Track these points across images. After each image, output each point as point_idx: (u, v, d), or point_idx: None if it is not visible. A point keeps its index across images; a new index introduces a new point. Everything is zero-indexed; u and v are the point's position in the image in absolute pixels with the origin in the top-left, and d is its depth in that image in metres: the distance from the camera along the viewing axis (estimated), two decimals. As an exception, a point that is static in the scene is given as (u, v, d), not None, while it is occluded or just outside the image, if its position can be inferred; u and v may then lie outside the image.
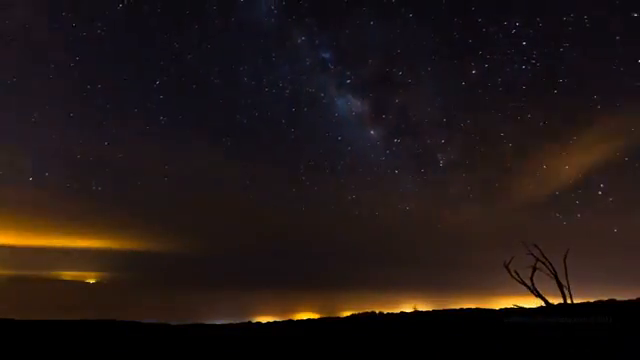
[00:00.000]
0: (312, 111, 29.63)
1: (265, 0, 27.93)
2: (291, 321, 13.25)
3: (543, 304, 11.38)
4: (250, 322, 14.27)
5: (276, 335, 10.36)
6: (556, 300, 11.37)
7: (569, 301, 11.21)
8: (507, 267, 12.18)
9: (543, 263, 11.86)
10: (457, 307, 14.06)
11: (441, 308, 14.13)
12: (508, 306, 12.74)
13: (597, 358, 6.12)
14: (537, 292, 11.71)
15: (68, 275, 28.92)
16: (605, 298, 11.22)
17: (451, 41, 25.86)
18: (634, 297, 11.74)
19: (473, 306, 14.05)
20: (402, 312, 13.27)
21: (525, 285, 11.89)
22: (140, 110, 27.96)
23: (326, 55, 29.16)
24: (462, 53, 25.20)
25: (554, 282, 11.55)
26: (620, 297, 11.67)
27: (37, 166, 27.36)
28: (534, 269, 11.85)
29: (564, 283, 11.45)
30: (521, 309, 12.10)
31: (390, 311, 13.63)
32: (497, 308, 13.82)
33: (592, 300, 11.54)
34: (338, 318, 13.63)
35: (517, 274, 12.05)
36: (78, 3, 25.66)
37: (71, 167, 28.93)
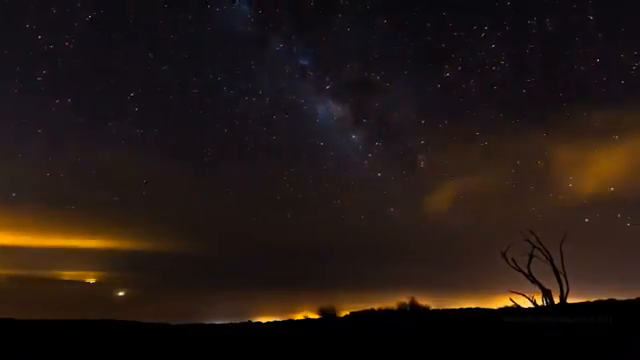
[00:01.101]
0: (293, 118, 29.64)
1: (241, 9, 27.98)
2: (291, 321, 13.28)
3: (539, 290, 11.39)
4: (250, 322, 14.30)
5: (276, 335, 10.37)
6: (552, 286, 11.39)
7: (565, 288, 11.25)
8: (504, 255, 12.24)
9: (539, 249, 11.93)
10: (456, 307, 14.08)
11: (440, 307, 14.13)
12: (504, 301, 12.82)
13: (597, 358, 6.12)
14: (533, 278, 11.78)
15: (68, 275, 28.85)
16: (605, 298, 11.23)
17: (425, 45, 26.20)
18: (634, 297, 11.75)
19: (473, 305, 14.08)
20: (401, 308, 13.24)
21: (522, 272, 11.96)
22: (114, 124, 27.79)
23: (305, 62, 29.52)
24: (436, 56, 25.85)
25: (550, 269, 11.60)
26: (620, 297, 11.69)
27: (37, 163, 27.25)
28: (531, 256, 11.91)
29: (560, 269, 11.51)
30: (520, 309, 12.11)
31: (387, 306, 13.58)
32: (495, 308, 13.91)
33: (592, 300, 11.55)
34: (337, 317, 13.64)
35: (514, 262, 12.12)
36: (44, 15, 25.23)
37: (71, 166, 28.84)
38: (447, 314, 12.59)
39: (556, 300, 11.30)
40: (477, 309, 14.21)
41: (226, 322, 14.85)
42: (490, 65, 24.28)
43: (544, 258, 11.77)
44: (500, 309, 13.70)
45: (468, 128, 26.80)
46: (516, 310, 12.19)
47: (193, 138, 30.03)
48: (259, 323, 13.68)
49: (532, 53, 23.69)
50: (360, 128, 30.90)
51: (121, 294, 28.24)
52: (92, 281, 29.35)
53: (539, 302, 11.52)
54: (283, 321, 13.40)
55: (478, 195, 28.74)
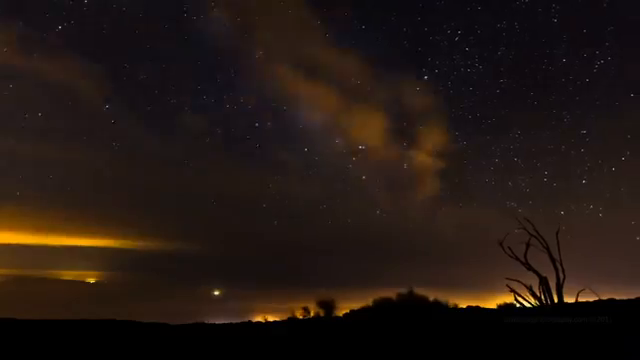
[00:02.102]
0: (276, 124, 29.72)
1: (218, 17, 27.82)
2: (291, 320, 13.27)
3: (538, 277, 11.42)
4: (250, 322, 14.28)
5: (276, 335, 10.37)
6: (548, 273, 11.45)
7: (561, 275, 11.33)
8: (501, 244, 12.32)
9: (536, 237, 12.03)
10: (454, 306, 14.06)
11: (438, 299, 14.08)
12: (502, 298, 12.84)
13: (597, 358, 6.12)
14: (530, 266, 11.87)
15: (68, 275, 28.85)
16: (605, 298, 11.24)
17: (402, 50, 27.68)
18: (634, 297, 11.75)
19: (468, 304, 14.09)
20: (400, 298, 13.21)
21: (519, 260, 12.07)
22: (89, 137, 27.54)
23: (284, 69, 29.60)
24: (413, 61, 28.01)
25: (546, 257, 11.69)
26: (620, 297, 11.69)
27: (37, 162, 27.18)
28: (527, 245, 12.00)
29: (556, 257, 11.60)
30: (520, 309, 12.12)
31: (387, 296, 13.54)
32: (495, 306, 13.92)
33: (592, 300, 11.56)
34: (337, 317, 13.63)
35: (511, 250, 12.21)
36: (18, 21, 24.92)
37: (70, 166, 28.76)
38: (446, 314, 12.57)
39: (552, 287, 11.40)
40: (477, 308, 14.22)
41: (226, 322, 14.87)
42: (465, 67, 26.02)
43: (541, 247, 11.88)
44: (500, 306, 13.76)
45: (448, 130, 28.54)
46: (516, 309, 12.21)
47: (172, 149, 29.73)
48: (259, 323, 13.68)
49: (503, 55, 25.67)
50: (343, 133, 31.15)
51: (119, 292, 28.33)
52: (92, 281, 29.41)
53: (536, 290, 11.59)
54: (283, 321, 13.39)
55: (463, 194, 29.45)
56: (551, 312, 10.12)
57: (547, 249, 11.79)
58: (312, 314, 13.23)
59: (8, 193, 26.40)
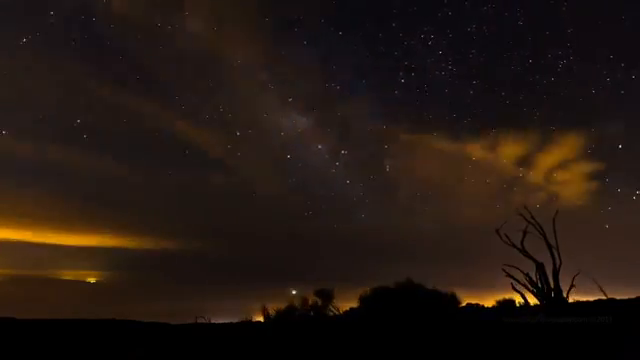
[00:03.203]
0: (257, 133, 29.62)
1: (194, 27, 27.53)
2: (290, 319, 13.25)
3: (535, 265, 11.51)
4: (250, 322, 14.27)
5: (276, 334, 10.37)
6: (545, 259, 11.57)
7: (558, 261, 11.44)
8: (498, 232, 12.42)
9: (532, 224, 12.12)
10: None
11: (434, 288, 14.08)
12: (501, 294, 12.90)
13: (597, 358, 6.12)
14: (527, 253, 11.97)
15: (68, 275, 28.85)
16: (605, 298, 11.25)
17: (379, 54, 28.69)
18: (634, 297, 11.75)
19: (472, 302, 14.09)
20: (398, 287, 13.17)
21: (516, 248, 12.14)
22: (60, 152, 27.28)
23: (264, 76, 29.53)
24: (390, 65, 28.36)
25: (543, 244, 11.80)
26: (620, 297, 11.69)
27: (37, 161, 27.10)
28: (524, 233, 12.11)
29: (553, 244, 11.72)
30: (521, 307, 12.15)
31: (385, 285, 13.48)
32: (493, 303, 13.95)
33: (592, 300, 11.57)
34: (335, 315, 13.61)
35: (507, 237, 12.33)
36: None
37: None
38: (446, 312, 12.56)
39: (549, 273, 11.48)
40: (477, 307, 14.22)
41: (226, 322, 14.88)
42: (439, 70, 27.06)
43: (538, 234, 11.99)
44: (499, 302, 13.81)
45: (426, 131, 29.21)
46: (514, 308, 12.23)
47: (153, 161, 29.33)
48: (259, 322, 13.67)
49: (474, 57, 26.98)
50: (325, 138, 31.23)
51: (119, 292, 28.32)
52: (92, 281, 29.40)
53: (533, 276, 11.71)
54: (282, 320, 13.36)
55: (446, 192, 29.94)
56: (551, 312, 10.12)
57: (544, 236, 11.92)
58: (310, 302, 13.19)
59: (8, 193, 26.43)
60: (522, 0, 24.90)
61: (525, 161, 28.12)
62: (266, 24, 27.38)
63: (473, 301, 14.53)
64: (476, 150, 27.90)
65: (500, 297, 14.14)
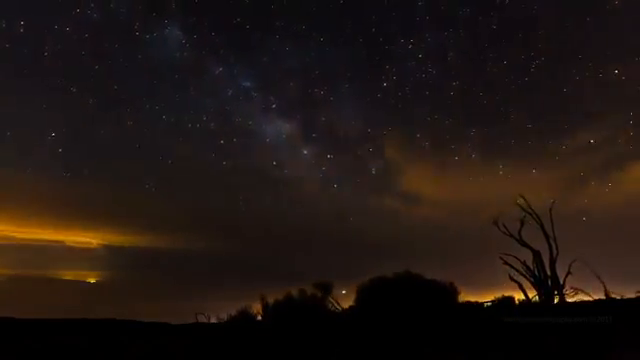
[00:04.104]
0: (242, 140, 29.51)
1: (174, 34, 27.22)
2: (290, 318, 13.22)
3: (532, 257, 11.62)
4: (250, 321, 14.24)
5: (276, 333, 10.37)
6: (541, 247, 11.67)
7: (555, 251, 11.56)
8: (495, 222, 12.50)
9: (530, 214, 12.22)
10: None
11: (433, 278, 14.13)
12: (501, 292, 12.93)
13: (597, 358, 6.13)
14: (524, 243, 12.07)
15: (68, 275, 28.87)
16: (602, 284, 11.32)
17: (360, 59, 29.39)
18: (634, 296, 11.75)
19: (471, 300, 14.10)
20: (396, 277, 13.21)
21: (513, 237, 12.24)
22: (35, 167, 26.90)
23: (247, 83, 29.39)
24: (372, 69, 29.24)
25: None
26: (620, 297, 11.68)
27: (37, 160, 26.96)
28: (522, 223, 12.20)
29: (549, 233, 11.82)
30: (519, 305, 12.15)
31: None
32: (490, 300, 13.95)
33: (592, 300, 11.57)
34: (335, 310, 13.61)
35: (505, 227, 12.41)
36: None
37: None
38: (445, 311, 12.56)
39: (546, 262, 11.60)
40: (476, 306, 14.21)
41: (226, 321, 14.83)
42: (420, 73, 27.70)
43: (535, 224, 12.09)
44: (498, 299, 13.83)
45: (409, 132, 29.74)
46: (514, 308, 12.23)
47: (133, 171, 28.88)
48: (259, 322, 13.64)
49: (452, 60, 27.89)
50: (310, 143, 31.29)
51: (119, 292, 28.32)
52: (92, 281, 29.40)
53: (530, 264, 11.83)
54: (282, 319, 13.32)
55: (431, 192, 30.33)
56: (551, 312, 10.14)
57: (541, 225, 12.01)
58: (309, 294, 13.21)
59: (8, 193, 26.43)
60: (495, 5, 26.08)
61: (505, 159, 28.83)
62: (246, 31, 27.44)
63: (472, 299, 14.57)
64: (457, 150, 28.75)
65: (499, 294, 14.20)
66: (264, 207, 30.22)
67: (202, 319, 14.31)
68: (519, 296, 12.37)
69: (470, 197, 28.51)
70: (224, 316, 13.31)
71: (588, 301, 11.55)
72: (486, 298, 13.86)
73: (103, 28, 25.86)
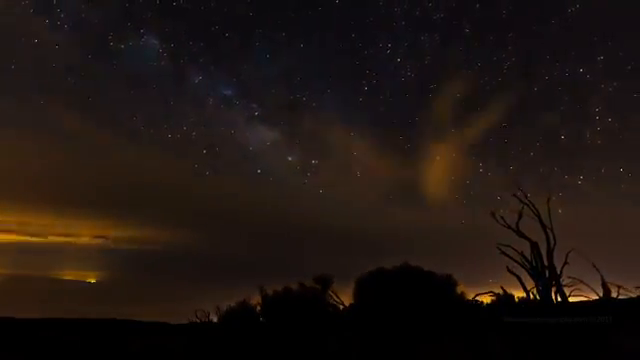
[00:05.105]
0: (225, 149, 29.37)
1: (150, 44, 26.88)
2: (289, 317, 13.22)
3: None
4: (250, 320, 14.24)
5: (275, 332, 10.37)
6: (539, 238, 11.75)
7: (552, 242, 11.64)
8: (493, 214, 12.61)
9: (527, 205, 12.32)
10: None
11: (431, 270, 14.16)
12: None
13: (597, 358, 6.12)
14: (522, 234, 12.12)
15: (68, 275, 28.89)
16: (599, 274, 11.36)
17: (341, 64, 30.13)
18: (634, 296, 11.73)
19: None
20: (395, 269, 13.25)
21: (511, 229, 12.30)
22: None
23: (228, 92, 29.25)
24: (353, 74, 29.88)
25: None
26: (620, 297, 11.67)
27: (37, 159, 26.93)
28: (520, 215, 12.30)
29: (547, 225, 11.91)
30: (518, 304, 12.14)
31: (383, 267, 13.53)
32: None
33: (592, 300, 11.56)
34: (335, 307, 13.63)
35: (503, 219, 12.54)
36: None
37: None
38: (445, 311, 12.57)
39: (543, 253, 11.67)
40: (476, 305, 14.19)
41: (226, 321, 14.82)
42: (399, 77, 28.52)
43: (533, 215, 12.17)
44: (498, 297, 13.81)
45: (392, 134, 30.01)
46: (514, 308, 12.21)
47: (113, 186, 28.51)
48: (259, 321, 13.63)
49: (430, 63, 28.62)
50: (295, 149, 31.19)
51: (119, 292, 28.32)
52: (92, 281, 29.41)
53: (527, 254, 11.88)
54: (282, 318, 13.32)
55: (416, 191, 30.57)
56: (551, 312, 10.12)
57: (538, 216, 12.10)
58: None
59: (8, 193, 26.45)
60: (467, 9, 26.96)
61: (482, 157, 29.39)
62: (226, 39, 27.41)
63: (471, 297, 14.57)
64: (440, 149, 29.45)
65: (499, 292, 14.18)
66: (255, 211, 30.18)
67: (202, 317, 14.36)
68: (518, 293, 12.43)
69: (460, 193, 28.86)
70: (224, 307, 13.42)
71: (589, 301, 11.55)
72: (485, 296, 13.96)
73: (74, 39, 25.64)
